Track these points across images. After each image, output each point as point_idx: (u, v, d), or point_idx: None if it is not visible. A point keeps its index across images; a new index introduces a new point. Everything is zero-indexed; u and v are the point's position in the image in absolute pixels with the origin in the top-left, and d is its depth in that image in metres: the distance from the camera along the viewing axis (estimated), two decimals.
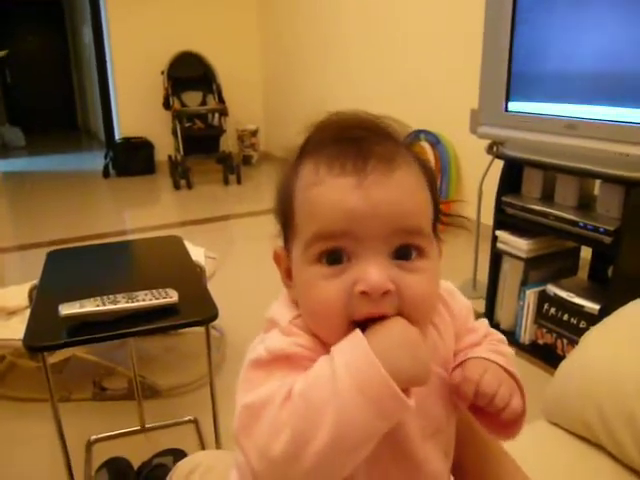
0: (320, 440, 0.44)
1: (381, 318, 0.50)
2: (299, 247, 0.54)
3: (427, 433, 0.58)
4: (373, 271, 0.49)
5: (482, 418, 0.58)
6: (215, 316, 1.27)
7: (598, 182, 1.94)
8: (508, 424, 0.58)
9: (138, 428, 1.76)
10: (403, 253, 0.52)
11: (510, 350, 0.63)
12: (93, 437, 1.70)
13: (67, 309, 1.17)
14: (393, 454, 0.56)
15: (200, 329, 1.37)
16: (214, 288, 1.63)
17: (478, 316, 0.68)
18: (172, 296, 1.26)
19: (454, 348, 0.62)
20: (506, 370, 0.58)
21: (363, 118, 0.56)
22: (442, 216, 0.59)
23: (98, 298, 1.22)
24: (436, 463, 0.59)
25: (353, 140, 0.52)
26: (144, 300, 1.23)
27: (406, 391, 0.47)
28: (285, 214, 0.57)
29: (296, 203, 0.54)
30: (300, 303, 0.55)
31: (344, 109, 0.57)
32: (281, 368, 0.50)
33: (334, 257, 0.51)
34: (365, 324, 0.50)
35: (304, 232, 0.53)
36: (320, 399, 0.45)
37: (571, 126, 1.84)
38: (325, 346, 0.51)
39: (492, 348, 0.62)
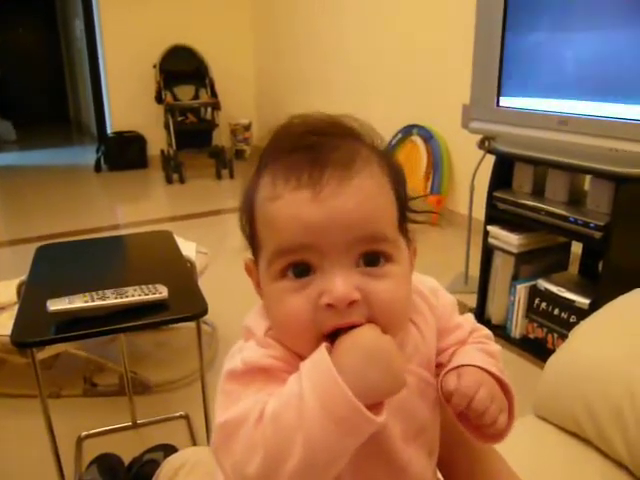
0: (292, 462, 0.44)
1: (351, 328, 0.49)
2: (263, 262, 0.53)
3: (410, 435, 0.57)
4: (338, 282, 0.49)
5: (465, 423, 0.57)
6: (205, 311, 1.27)
7: (588, 177, 1.94)
8: (491, 435, 0.57)
9: (129, 424, 1.75)
10: (369, 260, 0.51)
11: (498, 347, 0.63)
12: (84, 433, 1.69)
13: (55, 305, 1.16)
14: (377, 459, 0.56)
15: (191, 324, 1.37)
16: (206, 283, 1.63)
17: (469, 311, 0.68)
18: (161, 292, 1.25)
19: (438, 346, 0.62)
20: (499, 381, 0.57)
21: (320, 122, 0.54)
22: (411, 213, 0.58)
23: (87, 294, 1.21)
24: (420, 464, 0.59)
25: (308, 148, 0.51)
26: (133, 296, 1.22)
27: (379, 404, 0.46)
28: (249, 227, 0.56)
29: (257, 217, 0.54)
30: (269, 316, 0.55)
31: (303, 112, 0.56)
32: (256, 381, 0.50)
33: (299, 270, 0.50)
34: (337, 334, 0.49)
35: (266, 248, 0.52)
36: (289, 421, 0.44)
37: (562, 122, 1.84)
38: (300, 358, 0.50)
39: (481, 347, 0.61)
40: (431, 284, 0.65)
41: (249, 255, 0.58)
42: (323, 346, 0.48)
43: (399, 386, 0.47)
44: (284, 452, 0.44)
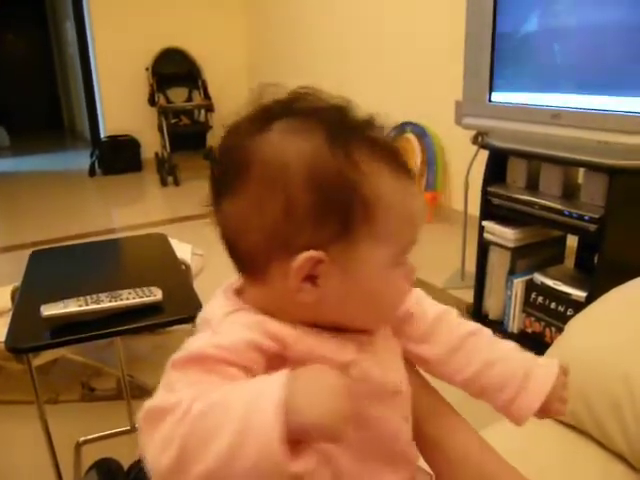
0: (200, 466, 0.40)
1: None
2: (385, 250, 0.51)
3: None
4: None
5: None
6: None
7: (582, 170, 1.94)
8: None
9: (128, 428, 1.74)
10: None
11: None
12: (82, 438, 1.68)
13: (49, 310, 1.15)
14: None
15: (188, 327, 1.36)
16: (202, 285, 1.62)
17: (466, 306, 0.68)
18: (156, 294, 1.24)
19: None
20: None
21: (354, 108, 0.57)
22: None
23: (81, 298, 1.20)
24: (393, 423, 0.57)
25: (389, 141, 0.54)
26: (128, 299, 1.21)
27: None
28: (342, 211, 0.49)
29: (382, 206, 0.50)
30: (377, 303, 0.54)
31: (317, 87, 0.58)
32: (194, 371, 0.46)
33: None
34: None
35: (397, 238, 0.52)
36: (210, 430, 0.41)
37: (555, 116, 1.84)
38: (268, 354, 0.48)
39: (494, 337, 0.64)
40: None
41: (312, 252, 0.49)
42: (285, 376, 0.42)
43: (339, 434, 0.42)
44: (197, 455, 0.40)
